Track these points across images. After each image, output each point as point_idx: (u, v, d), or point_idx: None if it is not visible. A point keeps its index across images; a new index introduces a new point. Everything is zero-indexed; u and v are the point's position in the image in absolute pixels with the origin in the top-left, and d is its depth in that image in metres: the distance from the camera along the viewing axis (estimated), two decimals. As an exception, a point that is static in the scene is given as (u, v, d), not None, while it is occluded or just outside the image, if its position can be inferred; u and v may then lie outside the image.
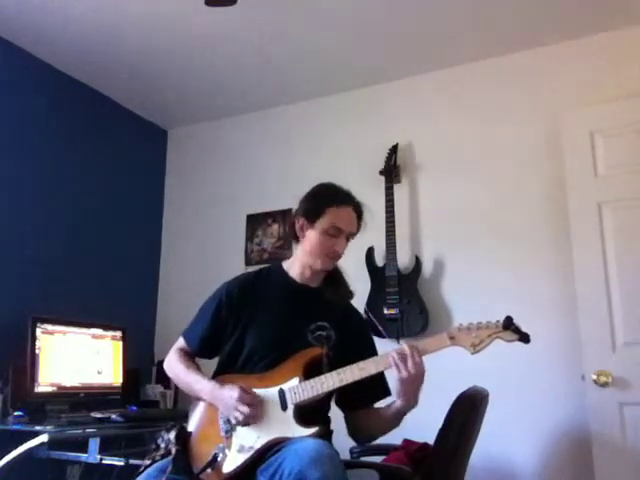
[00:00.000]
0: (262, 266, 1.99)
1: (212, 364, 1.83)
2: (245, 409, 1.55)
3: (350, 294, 1.86)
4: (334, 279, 1.84)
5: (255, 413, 1.57)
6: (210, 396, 1.66)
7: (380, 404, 1.75)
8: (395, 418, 1.65)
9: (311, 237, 1.75)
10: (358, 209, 1.80)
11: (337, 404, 1.79)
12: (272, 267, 1.92)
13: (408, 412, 1.62)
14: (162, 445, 1.70)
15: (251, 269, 1.98)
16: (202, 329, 1.80)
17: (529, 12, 2.70)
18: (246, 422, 1.57)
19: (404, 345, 1.57)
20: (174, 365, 1.81)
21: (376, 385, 1.73)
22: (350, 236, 1.78)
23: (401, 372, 1.53)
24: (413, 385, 1.55)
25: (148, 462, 1.67)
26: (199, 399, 1.72)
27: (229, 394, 1.59)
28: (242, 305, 1.78)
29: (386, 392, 1.76)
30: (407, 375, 1.53)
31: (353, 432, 1.78)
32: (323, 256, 1.75)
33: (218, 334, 1.79)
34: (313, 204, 1.77)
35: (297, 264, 1.81)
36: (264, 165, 3.55)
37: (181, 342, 1.86)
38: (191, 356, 1.84)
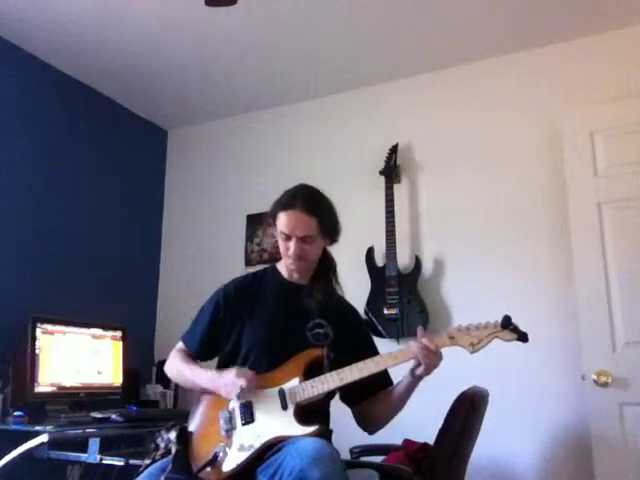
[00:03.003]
0: (262, 266, 1.99)
1: (212, 365, 1.83)
2: (243, 381, 1.56)
3: (336, 291, 1.86)
4: (320, 277, 1.85)
5: (252, 386, 1.58)
6: (211, 384, 1.67)
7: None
8: (407, 391, 1.67)
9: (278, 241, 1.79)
10: (308, 210, 1.72)
11: (342, 400, 1.80)
12: (268, 268, 1.94)
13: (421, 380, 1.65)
14: (162, 444, 1.70)
15: (251, 269, 2.00)
16: (201, 332, 1.82)
17: (529, 12, 2.70)
18: (243, 395, 1.58)
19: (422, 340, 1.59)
20: (175, 363, 1.83)
21: (378, 377, 1.72)
22: (302, 239, 1.73)
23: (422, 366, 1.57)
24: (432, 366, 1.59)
25: (148, 461, 1.68)
26: (202, 392, 1.73)
27: (227, 374, 1.62)
28: (239, 306, 1.80)
29: (388, 383, 1.77)
30: (429, 367, 1.57)
31: (361, 423, 1.80)
32: (286, 258, 1.78)
33: (217, 336, 1.80)
34: (270, 210, 1.80)
35: (283, 264, 1.85)
36: (264, 165, 3.55)
37: (180, 345, 1.87)
38: (191, 357, 1.85)
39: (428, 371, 1.60)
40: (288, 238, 1.74)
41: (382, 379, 1.76)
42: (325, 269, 1.87)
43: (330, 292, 1.84)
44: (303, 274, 1.82)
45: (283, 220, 1.73)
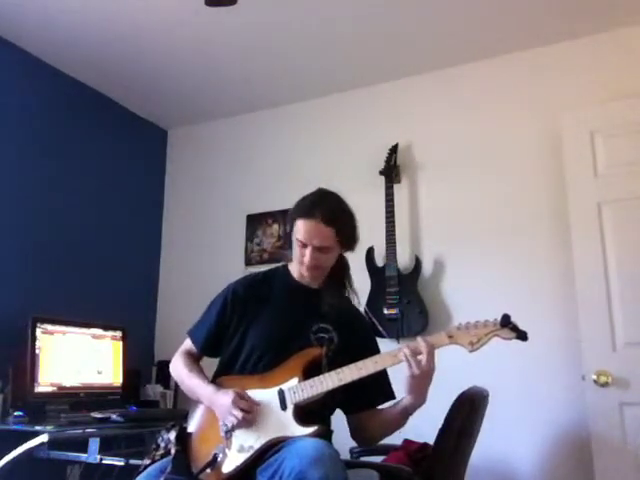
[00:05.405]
0: (269, 267, 1.98)
1: (215, 363, 1.83)
2: (239, 414, 1.55)
3: (346, 296, 1.85)
4: (334, 281, 1.84)
5: (250, 417, 1.56)
6: (208, 400, 1.67)
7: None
8: (402, 417, 1.64)
9: (293, 245, 1.77)
10: (327, 220, 1.68)
11: (340, 407, 1.78)
12: (278, 268, 1.93)
13: (415, 410, 1.61)
14: (162, 445, 1.70)
15: (251, 269, 2.00)
16: (207, 328, 1.81)
17: (529, 12, 2.70)
18: (241, 426, 1.56)
19: (419, 339, 1.55)
20: (178, 368, 1.82)
21: (379, 387, 1.73)
22: (318, 249, 1.70)
23: (413, 368, 1.52)
24: (424, 381, 1.54)
25: (148, 462, 1.68)
26: (200, 402, 1.72)
27: (224, 399, 1.59)
28: (246, 304, 1.78)
29: (390, 395, 1.75)
30: (419, 371, 1.51)
31: (356, 434, 1.77)
32: (299, 264, 1.76)
33: (223, 333, 1.79)
34: (289, 214, 1.79)
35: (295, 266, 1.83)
36: (264, 165, 3.55)
37: (187, 343, 1.86)
38: (196, 357, 1.85)
39: (419, 381, 1.54)
40: (304, 246, 1.71)
41: (383, 389, 1.75)
42: (339, 273, 1.85)
43: (340, 297, 1.83)
44: (315, 279, 1.81)
45: (301, 228, 1.70)
